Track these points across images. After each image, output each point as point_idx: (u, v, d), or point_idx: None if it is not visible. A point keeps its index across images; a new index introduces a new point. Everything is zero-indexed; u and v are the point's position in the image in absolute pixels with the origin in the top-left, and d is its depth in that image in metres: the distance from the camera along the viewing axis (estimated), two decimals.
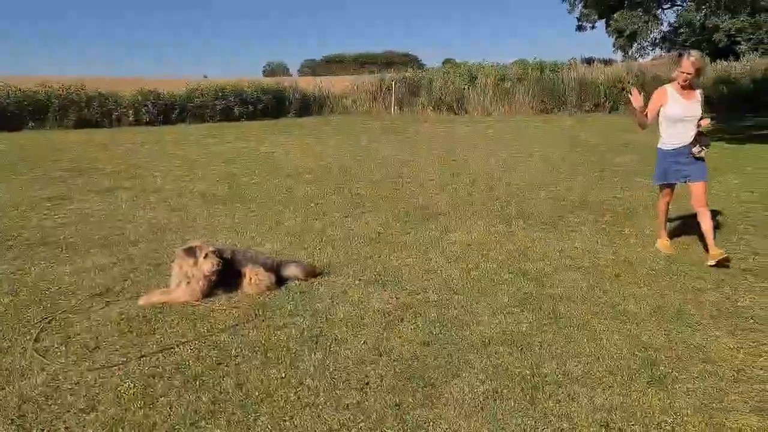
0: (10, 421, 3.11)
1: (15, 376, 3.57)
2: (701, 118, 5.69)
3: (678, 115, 5.64)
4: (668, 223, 6.27)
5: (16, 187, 9.62)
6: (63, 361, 3.76)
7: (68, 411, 3.20)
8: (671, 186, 5.92)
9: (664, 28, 20.78)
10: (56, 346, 3.96)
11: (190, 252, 4.77)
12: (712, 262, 5.36)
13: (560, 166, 11.49)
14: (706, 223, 5.61)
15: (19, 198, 8.77)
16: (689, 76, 5.55)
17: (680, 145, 5.68)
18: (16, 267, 5.59)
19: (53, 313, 4.49)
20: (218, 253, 4.86)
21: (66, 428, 3.06)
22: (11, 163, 12.30)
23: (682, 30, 18.74)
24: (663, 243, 6.06)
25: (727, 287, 4.93)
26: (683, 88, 5.65)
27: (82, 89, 21.44)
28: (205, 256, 4.74)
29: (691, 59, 5.54)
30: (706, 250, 5.62)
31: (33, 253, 6.04)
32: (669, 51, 21.66)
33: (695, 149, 5.56)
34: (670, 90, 5.73)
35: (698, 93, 5.71)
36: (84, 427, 3.06)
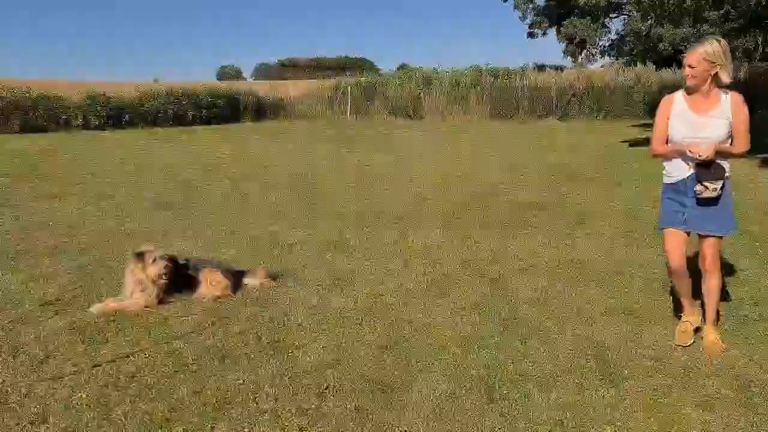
0: None
1: None
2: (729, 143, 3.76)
3: (679, 135, 3.81)
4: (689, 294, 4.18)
5: None
6: (11, 372, 3.64)
7: (17, 424, 3.10)
8: (676, 234, 3.96)
9: (612, 36, 21.50)
10: (4, 357, 3.83)
11: (139, 257, 4.70)
12: (709, 355, 3.87)
13: (514, 170, 11.70)
14: (711, 291, 4.01)
15: None
16: (692, 71, 3.70)
17: (684, 178, 3.86)
18: None
19: (0, 323, 4.34)
20: (170, 258, 4.79)
21: None
22: None
23: (629, 38, 19.38)
24: (682, 330, 4.08)
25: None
26: (690, 93, 3.82)
27: (28, 92, 20.74)
28: (154, 261, 4.66)
29: (698, 50, 3.66)
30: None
31: None
32: (617, 58, 22.37)
33: (697, 188, 3.75)
34: (678, 98, 3.89)
35: (725, 101, 3.72)
36: None
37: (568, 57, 26.02)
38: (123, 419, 3.15)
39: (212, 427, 3.10)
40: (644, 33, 16.36)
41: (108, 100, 22.15)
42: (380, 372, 3.67)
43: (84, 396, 3.37)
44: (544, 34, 24.68)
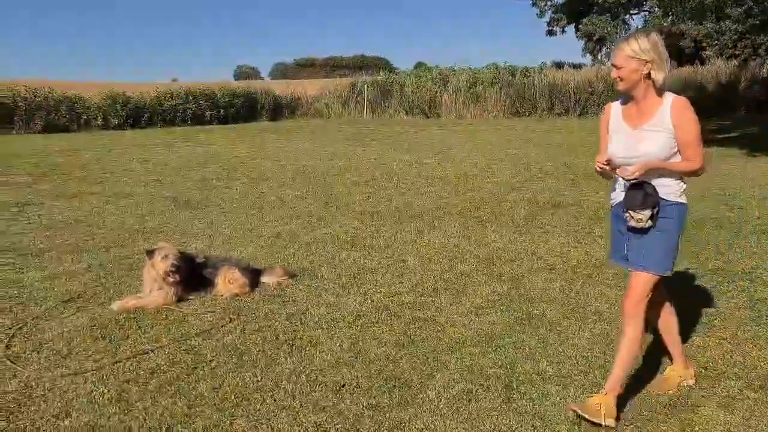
0: None
1: None
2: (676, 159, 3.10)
3: (615, 152, 3.19)
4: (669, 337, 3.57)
5: None
6: (35, 367, 3.70)
7: (42, 418, 3.16)
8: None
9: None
10: (28, 352, 3.90)
11: (149, 254, 4.75)
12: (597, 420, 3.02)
13: (532, 168, 11.64)
14: (622, 345, 3.17)
15: None
16: (620, 72, 3.07)
17: (620, 201, 3.25)
18: None
19: (24, 320, 4.42)
20: (183, 256, 4.83)
21: None
22: None
23: None
24: (664, 377, 3.52)
25: (695, 287, 5.06)
26: (626, 101, 3.21)
27: (50, 93, 21.03)
28: (162, 258, 4.69)
29: (623, 47, 3.05)
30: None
31: (1, 258, 5.92)
32: None
33: (625, 214, 3.15)
34: (615, 107, 3.28)
35: (664, 109, 3.06)
36: None
37: (588, 55, 25.79)
38: (144, 414, 3.19)
39: (231, 423, 3.13)
40: (665, 30, 16.10)
41: (127, 100, 22.38)
42: (397, 370, 3.67)
43: (106, 391, 3.42)
44: (563, 31, 24.41)
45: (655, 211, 3.06)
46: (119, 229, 7.17)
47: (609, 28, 20.26)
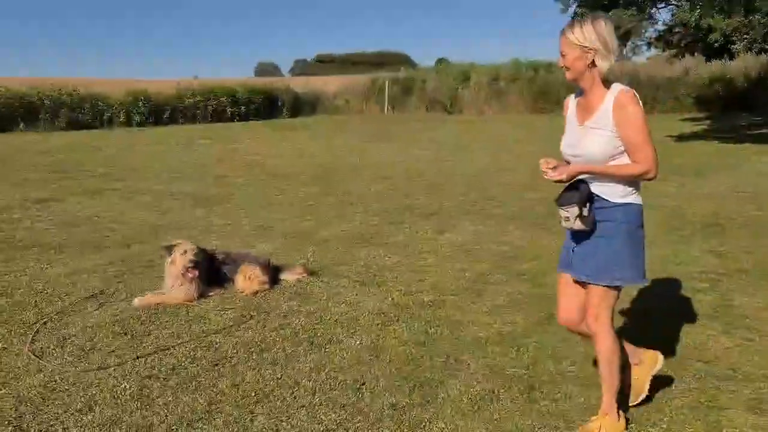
0: (7, 423, 3.09)
1: (12, 377, 3.56)
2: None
3: (563, 148, 3.00)
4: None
5: (5, 189, 9.56)
6: (59, 362, 3.75)
7: (66, 412, 3.19)
8: (565, 280, 3.09)
9: (659, 27, 20.78)
10: (52, 347, 3.95)
11: (168, 250, 4.78)
12: None
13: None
14: (599, 361, 3.02)
15: (9, 200, 8.71)
16: (564, 60, 2.80)
17: None
18: (9, 269, 5.56)
19: (49, 315, 4.48)
20: (203, 252, 4.85)
21: (64, 429, 3.05)
22: (1, 163, 12.25)
23: (677, 29, 18.71)
24: (636, 380, 3.21)
25: (722, 287, 4.96)
26: (580, 94, 2.93)
27: (74, 90, 21.33)
28: (182, 254, 4.71)
29: (567, 33, 2.76)
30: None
31: (26, 254, 6.01)
32: (664, 50, 21.69)
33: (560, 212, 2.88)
34: (571, 103, 3.01)
35: (606, 106, 2.74)
36: (82, 427, 3.05)
37: None
38: (165, 410, 3.21)
39: (251, 420, 3.13)
40: (693, 24, 15.71)
41: (149, 97, 22.62)
42: (417, 369, 3.65)
43: (128, 386, 3.44)
44: None
45: (585, 210, 2.76)
46: (139, 225, 7.24)
47: (634, 23, 19.92)
